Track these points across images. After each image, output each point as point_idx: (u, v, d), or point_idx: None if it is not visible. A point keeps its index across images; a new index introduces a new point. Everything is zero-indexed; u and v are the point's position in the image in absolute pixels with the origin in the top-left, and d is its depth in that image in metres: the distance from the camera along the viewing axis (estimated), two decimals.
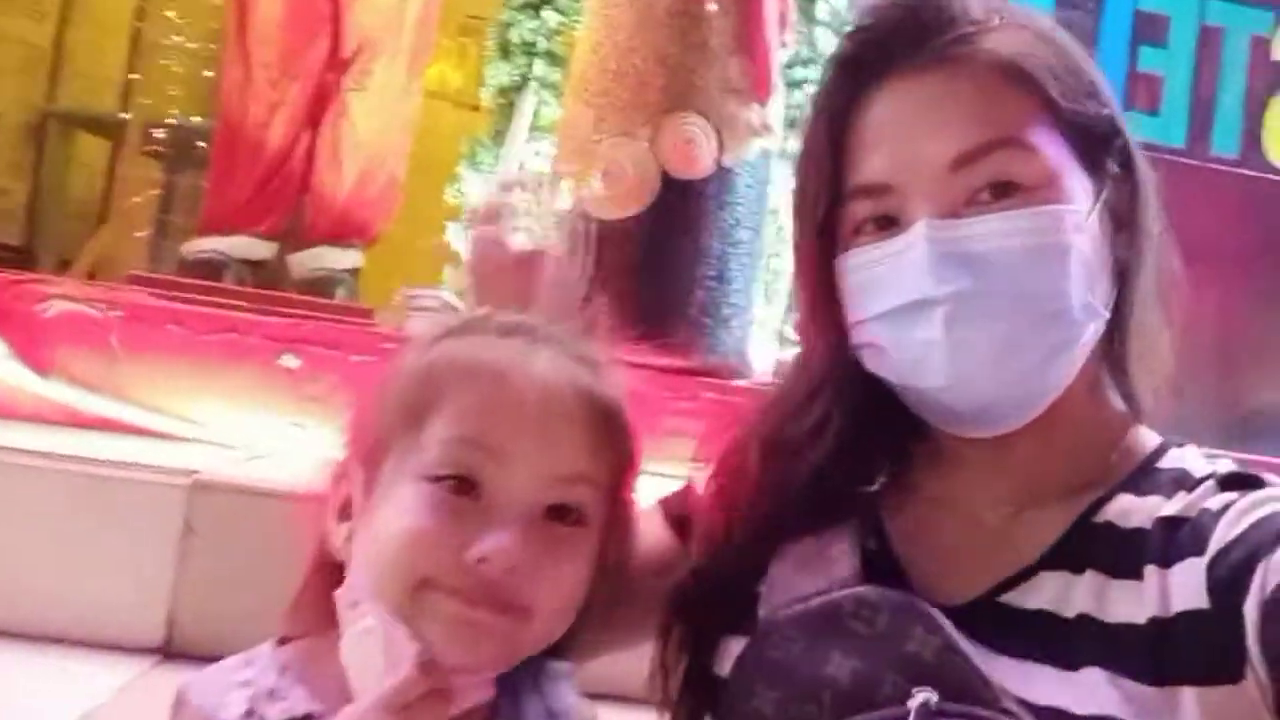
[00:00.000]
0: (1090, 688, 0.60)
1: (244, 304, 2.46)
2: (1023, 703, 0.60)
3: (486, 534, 0.60)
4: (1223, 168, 3.85)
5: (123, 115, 4.72)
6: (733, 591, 0.72)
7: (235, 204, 3.04)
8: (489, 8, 3.25)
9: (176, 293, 2.48)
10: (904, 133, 0.67)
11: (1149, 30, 3.85)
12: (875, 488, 0.75)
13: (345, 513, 0.67)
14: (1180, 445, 0.73)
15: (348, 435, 0.69)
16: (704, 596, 0.73)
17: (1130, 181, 0.70)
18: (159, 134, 4.38)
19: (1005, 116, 0.65)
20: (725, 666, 0.70)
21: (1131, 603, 0.62)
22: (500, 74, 2.78)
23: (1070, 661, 0.62)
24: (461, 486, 0.62)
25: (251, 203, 3.03)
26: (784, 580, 0.69)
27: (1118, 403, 0.72)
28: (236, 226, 3.02)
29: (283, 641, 0.67)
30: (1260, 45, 3.89)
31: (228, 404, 2.19)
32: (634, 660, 0.77)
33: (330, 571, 0.67)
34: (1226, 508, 0.62)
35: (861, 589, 0.65)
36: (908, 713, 0.58)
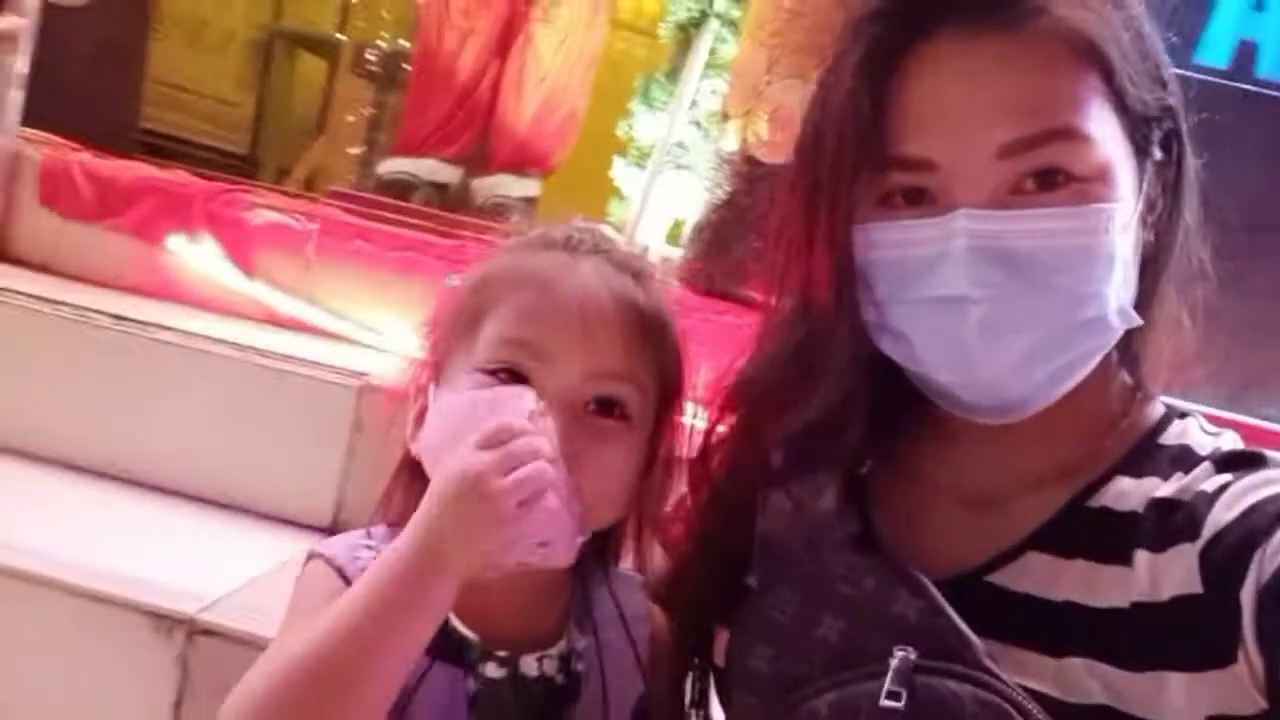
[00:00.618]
0: (1075, 675, 0.60)
1: (427, 223, 2.65)
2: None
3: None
4: None
5: (339, 36, 5.04)
6: (723, 583, 0.73)
7: (427, 128, 3.21)
8: None
9: (368, 209, 2.69)
10: (954, 108, 0.61)
11: None
12: (864, 470, 0.73)
13: (420, 419, 0.75)
14: (1183, 416, 0.69)
15: (422, 345, 0.76)
16: (695, 590, 0.75)
17: (1174, 168, 0.66)
18: (370, 56, 4.65)
19: (1064, 99, 0.60)
20: (721, 657, 0.73)
21: (1118, 587, 0.61)
22: (680, 8, 2.78)
23: (1054, 648, 0.61)
24: (511, 379, 0.68)
25: (441, 128, 3.19)
26: (776, 542, 0.71)
27: (1126, 384, 0.69)
28: (427, 150, 3.20)
29: (393, 525, 0.75)
30: None
31: (402, 315, 2.37)
32: None
33: (417, 466, 0.75)
34: (1221, 490, 0.60)
35: (851, 554, 0.67)
36: (887, 670, 0.60)
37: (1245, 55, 3.09)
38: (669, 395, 0.74)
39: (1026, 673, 0.61)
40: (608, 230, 0.80)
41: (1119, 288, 0.63)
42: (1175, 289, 0.68)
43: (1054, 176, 0.60)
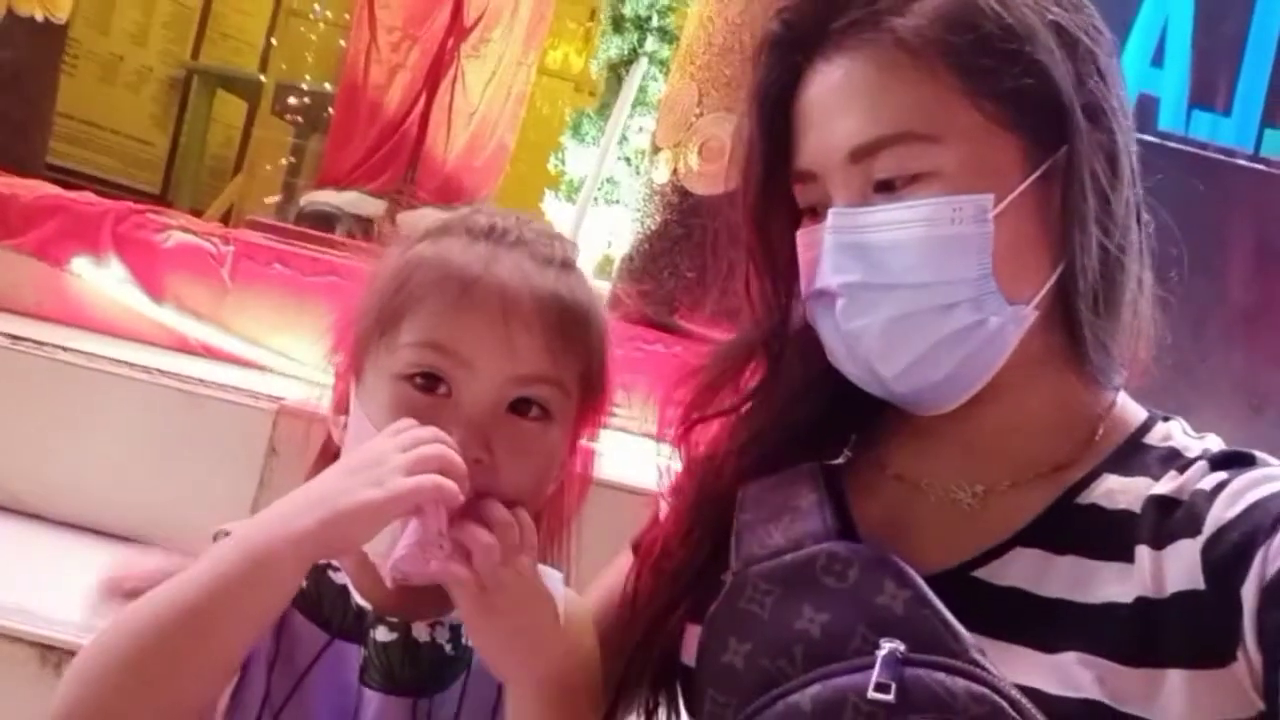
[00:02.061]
0: (1066, 671, 0.59)
1: (348, 253, 2.57)
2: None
3: (452, 429, 0.64)
4: None
5: (260, 77, 4.96)
6: (696, 580, 0.71)
7: (352, 161, 3.16)
8: None
9: (287, 239, 2.61)
10: (819, 121, 0.66)
11: None
12: (841, 461, 0.73)
13: (341, 405, 0.72)
14: (1166, 419, 0.70)
15: (338, 333, 0.73)
16: (666, 586, 0.73)
17: (1069, 150, 0.64)
18: (292, 99, 4.58)
19: (905, 105, 0.63)
20: (691, 655, 0.69)
21: (1118, 583, 0.60)
22: (611, 48, 2.81)
23: (1046, 644, 0.60)
24: (429, 384, 0.66)
25: (366, 160, 3.15)
26: (753, 532, 0.69)
27: (1087, 384, 0.68)
28: (351, 182, 3.15)
29: None
30: None
31: (322, 341, 2.28)
32: None
33: (332, 462, 0.69)
34: (1220, 488, 0.60)
35: (833, 544, 0.65)
36: (874, 662, 0.58)
37: (1146, 109, 3.26)
38: (592, 388, 0.73)
39: (1016, 667, 0.59)
40: (531, 218, 0.77)
41: (978, 277, 0.63)
42: (1113, 267, 0.66)
43: (903, 176, 0.63)
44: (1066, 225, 0.64)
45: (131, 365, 1.86)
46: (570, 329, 0.69)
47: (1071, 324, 0.65)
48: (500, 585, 0.62)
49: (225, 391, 1.85)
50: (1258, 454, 0.63)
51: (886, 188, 0.64)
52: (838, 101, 0.65)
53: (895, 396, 0.68)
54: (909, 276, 0.63)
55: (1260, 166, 3.11)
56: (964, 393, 0.66)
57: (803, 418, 0.72)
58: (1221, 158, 3.06)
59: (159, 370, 1.87)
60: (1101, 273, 0.65)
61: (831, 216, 0.65)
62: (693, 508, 0.75)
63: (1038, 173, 0.64)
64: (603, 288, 2.76)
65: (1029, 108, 0.63)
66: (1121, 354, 0.68)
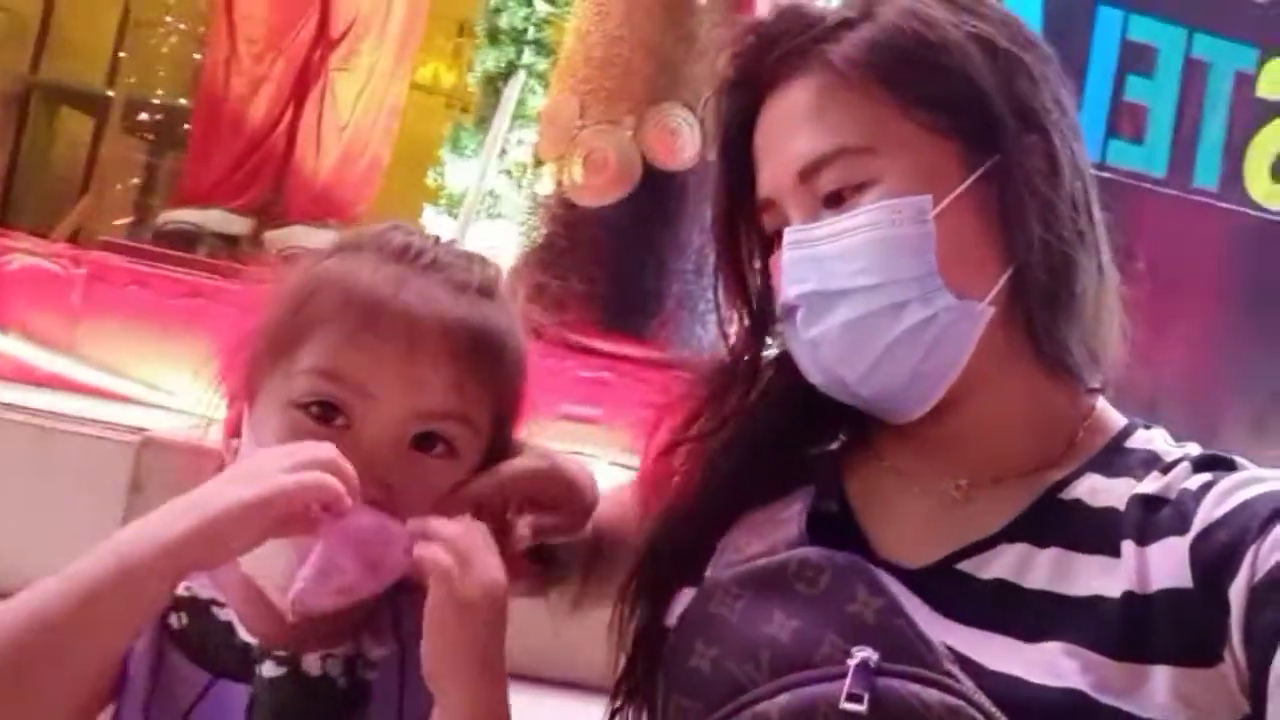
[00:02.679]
0: (1049, 660, 0.59)
1: (210, 274, 2.43)
2: (979, 668, 0.58)
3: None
4: (1203, 199, 3.89)
5: (108, 92, 4.68)
6: (692, 543, 0.71)
7: (213, 177, 3.00)
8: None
9: (145, 261, 2.44)
10: (770, 149, 0.70)
11: (1136, 60, 3.90)
12: (836, 446, 0.75)
13: (234, 429, 0.66)
14: (1148, 427, 0.72)
15: (227, 354, 0.67)
16: (663, 548, 0.72)
17: (1003, 154, 0.67)
18: (144, 114, 4.34)
19: (842, 123, 0.67)
20: (674, 617, 0.68)
21: (1103, 576, 0.61)
22: (488, 60, 2.76)
23: (1029, 633, 0.60)
24: (326, 415, 0.61)
25: (229, 177, 2.99)
26: (734, 543, 0.69)
27: (1063, 379, 0.70)
28: (213, 200, 2.99)
29: None
30: (1244, 81, 3.94)
31: (189, 371, 2.15)
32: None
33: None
34: (1207, 487, 0.62)
35: (806, 550, 0.65)
36: (846, 671, 0.57)
37: None
38: (504, 421, 0.69)
39: (998, 656, 0.59)
40: (451, 241, 0.72)
41: (924, 276, 0.66)
42: (1078, 277, 0.68)
43: (849, 187, 0.67)
44: (1006, 224, 0.67)
45: None
46: (482, 362, 0.65)
47: (1028, 320, 0.67)
48: (473, 581, 0.60)
49: (80, 424, 1.71)
50: (1237, 458, 0.65)
51: (833, 202, 0.67)
52: (783, 129, 0.69)
53: (864, 403, 0.69)
54: (858, 280, 0.66)
55: (1107, 175, 3.32)
56: (931, 395, 0.67)
57: (786, 429, 0.74)
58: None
59: (9, 404, 1.71)
60: (1049, 268, 0.67)
61: (786, 234, 0.68)
62: (684, 510, 0.74)
63: (975, 174, 0.67)
64: None
65: (960, 114, 0.67)
66: (1089, 351, 0.69)
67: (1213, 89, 3.82)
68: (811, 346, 0.67)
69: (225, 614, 0.64)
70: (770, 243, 0.72)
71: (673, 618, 0.68)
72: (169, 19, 4.73)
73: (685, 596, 0.68)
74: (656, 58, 2.39)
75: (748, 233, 0.73)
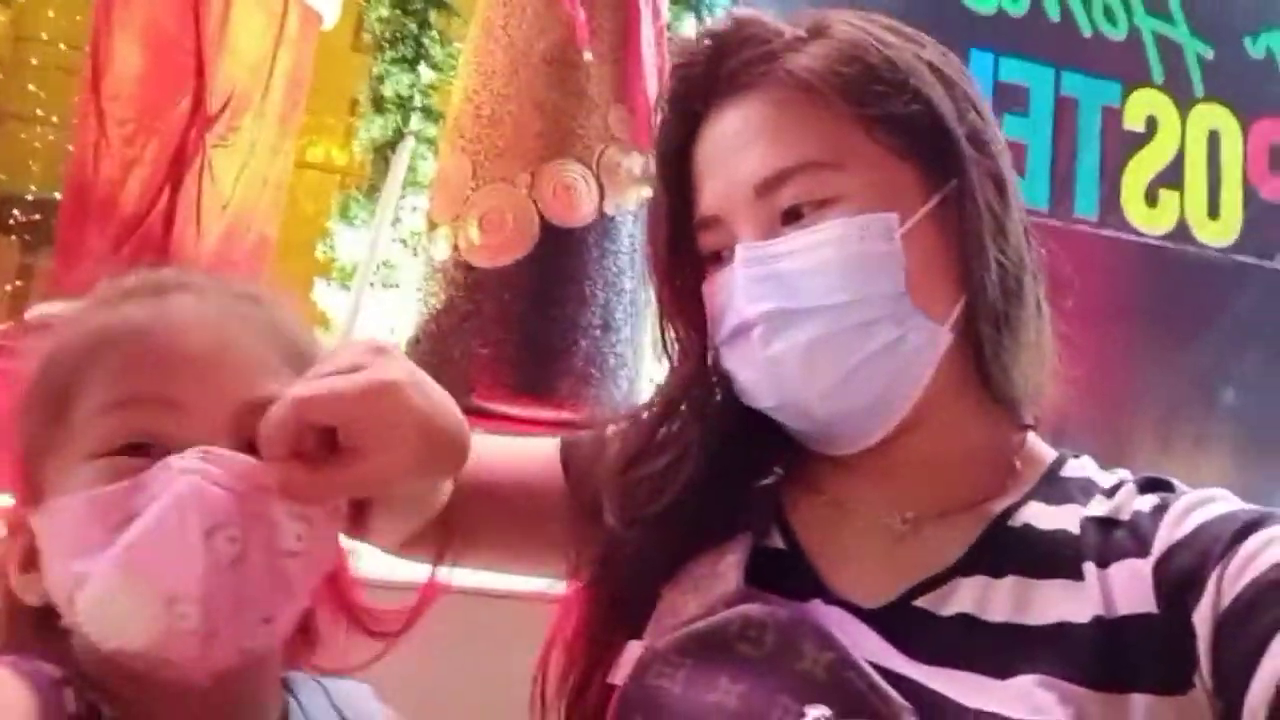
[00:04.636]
0: (1024, 693, 0.57)
1: None
2: (958, 707, 0.56)
3: None
4: (1085, 228, 4.06)
5: None
6: (633, 593, 0.68)
7: (86, 267, 2.84)
8: None
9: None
10: (720, 164, 0.68)
11: (1010, 100, 4.07)
12: (771, 480, 0.73)
13: (31, 561, 0.57)
14: (1076, 456, 0.72)
15: (6, 478, 0.60)
16: (602, 598, 0.70)
17: (960, 179, 0.68)
18: (16, 211, 4.14)
19: (806, 137, 0.66)
20: (621, 675, 0.65)
21: (1067, 602, 0.60)
22: (374, 128, 2.70)
23: (998, 668, 0.59)
24: (136, 451, 0.54)
25: (105, 264, 2.83)
26: (670, 605, 0.66)
27: (1003, 412, 0.70)
28: (87, 290, 2.82)
29: None
30: (1112, 114, 4.15)
31: None
32: None
33: (39, 618, 0.57)
34: (1161, 509, 0.62)
35: (747, 607, 0.62)
36: None
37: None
38: None
39: (973, 695, 0.58)
40: (199, 272, 0.67)
41: (893, 291, 0.64)
42: (1020, 306, 0.69)
43: (810, 203, 0.65)
44: (965, 246, 0.66)
45: None
46: (285, 348, 0.60)
47: (978, 346, 0.67)
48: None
49: None
50: (1173, 480, 0.66)
51: (793, 218, 0.65)
52: (738, 142, 0.67)
53: (816, 426, 0.67)
54: (827, 298, 0.64)
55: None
56: (888, 420, 0.66)
57: (722, 463, 0.72)
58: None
59: None
60: (1003, 293, 0.67)
61: (740, 251, 0.66)
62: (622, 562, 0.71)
63: (937, 197, 0.67)
64: None
65: (919, 136, 0.67)
66: (1027, 383, 0.69)
67: (1084, 123, 4.01)
68: (770, 365, 0.65)
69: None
70: (700, 266, 0.70)
71: (619, 675, 0.64)
72: (40, 111, 4.55)
73: (633, 649, 0.65)
74: (546, 114, 2.36)
75: (682, 255, 0.71)
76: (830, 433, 0.68)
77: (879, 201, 0.65)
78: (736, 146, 0.67)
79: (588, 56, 2.36)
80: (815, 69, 0.66)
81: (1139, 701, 0.56)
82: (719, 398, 0.72)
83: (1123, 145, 3.97)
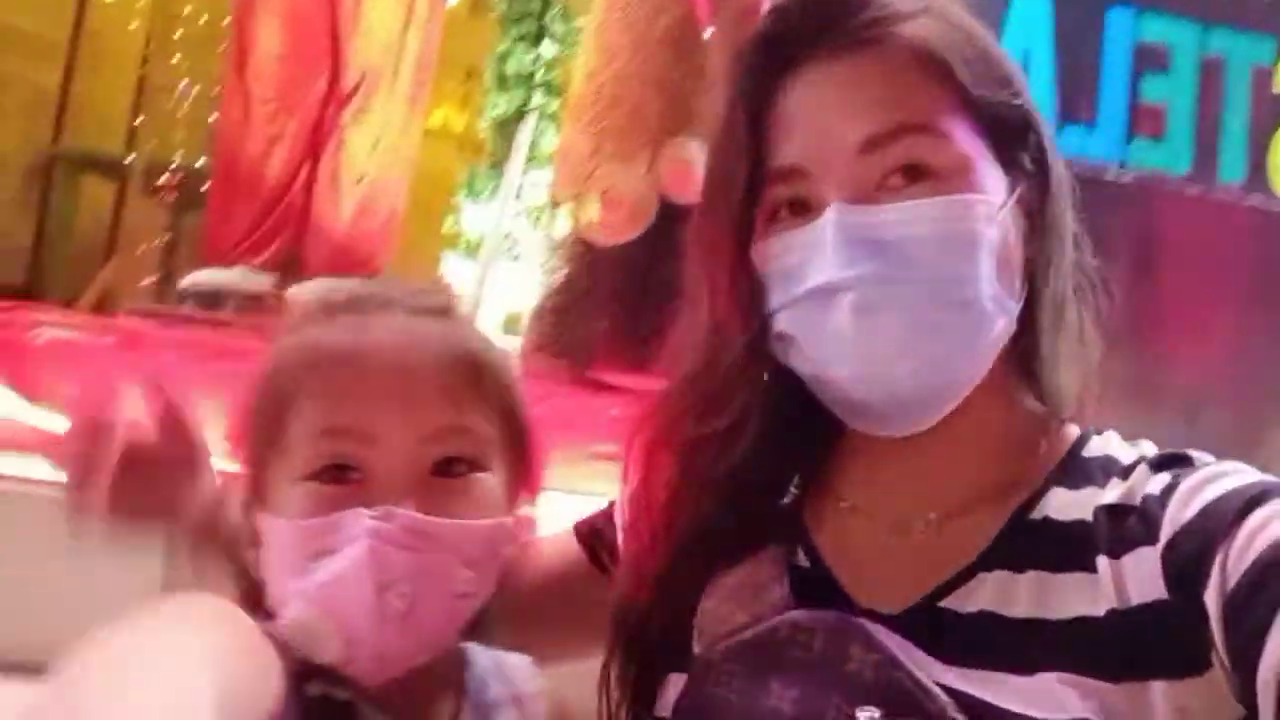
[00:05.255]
0: (1047, 690, 0.58)
1: (240, 332, 2.45)
2: (987, 706, 0.57)
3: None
4: (1230, 197, 3.83)
5: (128, 158, 4.75)
6: (668, 629, 0.69)
7: (234, 236, 3.03)
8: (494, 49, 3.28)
9: (172, 324, 2.47)
10: (816, 117, 0.65)
11: (1151, 60, 3.87)
12: (788, 500, 0.72)
13: (257, 539, 0.65)
14: (1099, 433, 0.71)
15: (237, 464, 0.67)
16: (639, 636, 0.70)
17: (1042, 180, 0.68)
18: (164, 177, 4.41)
19: (916, 102, 0.65)
20: (667, 708, 0.67)
21: (1083, 595, 0.60)
22: (498, 105, 2.77)
23: (1024, 666, 0.59)
24: (337, 475, 0.61)
25: (250, 235, 3.02)
26: (715, 613, 0.67)
27: (1033, 405, 0.70)
28: (235, 258, 3.01)
29: None
30: (1263, 75, 3.89)
31: (218, 429, 2.15)
32: None
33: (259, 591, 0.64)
34: (1170, 490, 0.61)
35: (794, 613, 0.63)
36: None
37: None
38: (514, 429, 0.68)
39: (1000, 693, 0.58)
40: (396, 277, 0.74)
41: (990, 277, 0.64)
42: (1063, 300, 0.69)
43: (915, 169, 0.64)
44: (1045, 243, 0.67)
45: (6, 478, 1.70)
46: (468, 373, 0.64)
47: (1030, 345, 0.67)
48: None
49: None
50: (1193, 453, 0.64)
51: (896, 181, 0.63)
52: (845, 95, 0.65)
53: (889, 402, 0.65)
54: (934, 270, 0.62)
55: (1128, 178, 3.28)
56: (947, 406, 0.65)
57: (765, 455, 0.70)
58: (1091, 174, 3.21)
59: (38, 480, 1.71)
60: (1062, 293, 0.68)
61: (835, 211, 0.63)
62: (654, 590, 0.71)
63: (1018, 190, 0.67)
64: (513, 344, 2.70)
65: (1012, 132, 0.67)
66: (1071, 383, 0.69)
67: (1231, 83, 3.78)
68: (862, 332, 0.62)
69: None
70: (746, 222, 0.66)
71: (665, 707, 0.66)
72: (184, 82, 4.81)
73: (672, 684, 0.66)
74: (666, 93, 2.39)
75: (745, 210, 0.66)
76: (896, 411, 0.65)
77: (974, 182, 0.64)
78: (843, 100, 0.65)
79: (708, 34, 2.37)
80: (935, 41, 0.66)
81: (1158, 688, 0.56)
82: (768, 374, 0.69)
83: (1274, 108, 3.73)
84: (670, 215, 2.36)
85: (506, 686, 0.70)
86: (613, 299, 2.30)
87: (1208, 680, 0.55)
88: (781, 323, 0.66)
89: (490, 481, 0.65)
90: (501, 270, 2.67)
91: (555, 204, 2.40)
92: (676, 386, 0.71)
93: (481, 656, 0.70)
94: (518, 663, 0.72)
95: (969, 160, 0.64)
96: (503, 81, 2.81)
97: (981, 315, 0.64)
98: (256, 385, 0.65)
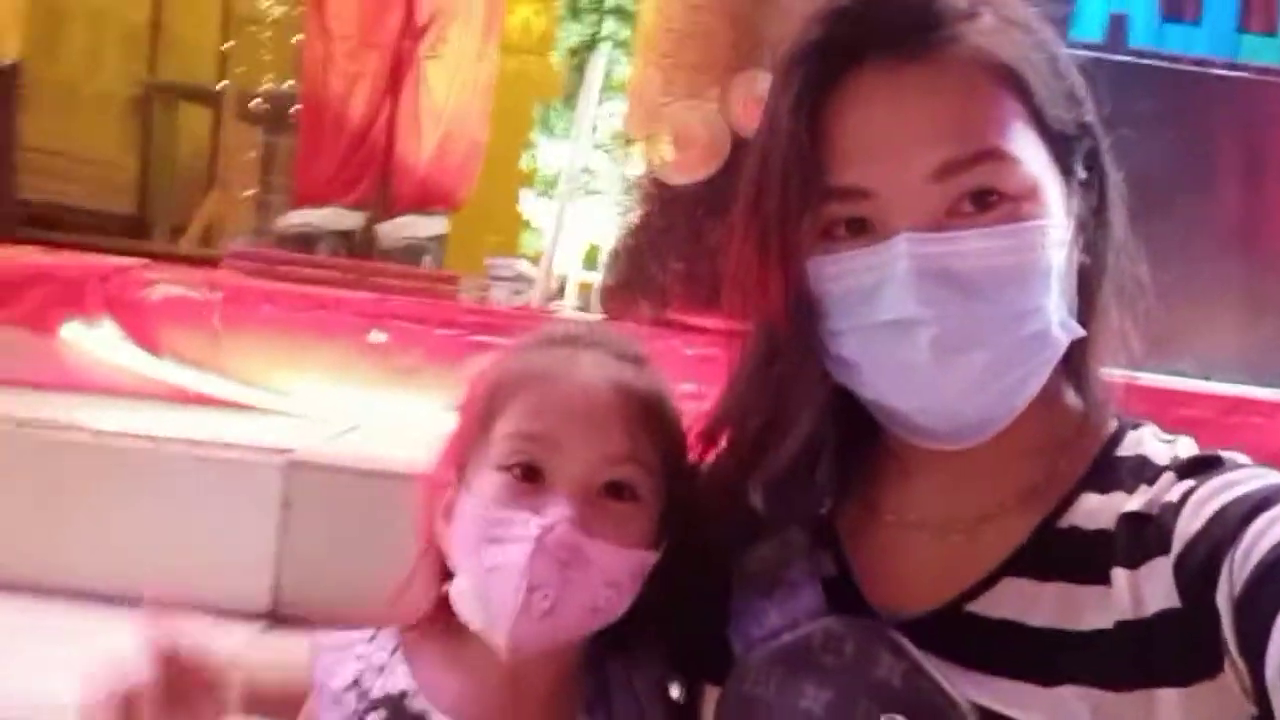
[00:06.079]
0: (1065, 706, 0.60)
1: (336, 273, 2.58)
2: (1001, 717, 0.60)
3: (550, 510, 0.69)
4: None
5: (219, 85, 4.89)
6: (704, 638, 0.72)
7: (324, 176, 3.13)
8: None
9: (273, 266, 2.60)
10: (885, 135, 0.62)
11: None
12: (824, 510, 0.73)
13: (449, 514, 0.76)
14: (1135, 427, 0.70)
15: (444, 447, 0.78)
16: (680, 645, 0.75)
17: (1097, 185, 0.67)
18: (254, 102, 4.52)
19: (990, 123, 0.62)
20: (709, 713, 0.71)
21: (1099, 608, 0.62)
22: (571, 34, 2.76)
23: (1044, 678, 0.61)
24: (527, 473, 0.72)
25: (339, 175, 3.12)
26: (751, 611, 0.70)
27: (1073, 400, 0.70)
28: (326, 198, 3.12)
29: (410, 628, 0.76)
30: None
31: (321, 379, 2.30)
32: None
33: (435, 560, 0.76)
34: (1185, 499, 0.61)
35: (828, 621, 0.66)
36: None
37: (1117, 28, 3.21)
38: (675, 472, 0.76)
39: (1019, 705, 0.61)
40: (600, 324, 0.84)
41: (1058, 302, 0.63)
42: (1115, 306, 0.69)
43: (988, 197, 0.61)
44: (1103, 265, 0.67)
45: (137, 436, 1.87)
46: (648, 415, 0.74)
47: (1076, 348, 0.67)
48: None
49: (233, 450, 1.87)
50: (1224, 454, 0.63)
51: (966, 207, 0.62)
52: (916, 115, 0.61)
53: (952, 427, 0.64)
54: (1009, 306, 0.61)
55: (1240, 74, 3.07)
56: (1006, 422, 0.65)
57: (809, 460, 0.70)
58: (1198, 70, 3.02)
59: (166, 438, 1.88)
60: (1109, 301, 0.68)
61: (907, 243, 0.60)
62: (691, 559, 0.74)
63: (1078, 211, 0.66)
64: (592, 279, 2.76)
65: (1071, 147, 0.66)
66: (1108, 392, 0.70)
67: None
68: (936, 370, 0.61)
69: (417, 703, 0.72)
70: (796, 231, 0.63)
71: (706, 713, 0.72)
72: (264, 5, 4.88)
73: (713, 693, 0.71)
74: (737, 24, 2.34)
75: (797, 224, 0.63)
76: (958, 433, 0.65)
77: (1042, 205, 0.62)
78: (911, 122, 0.62)
79: None
80: (1009, 53, 0.62)
81: (1168, 695, 0.58)
82: (817, 379, 0.67)
83: None
84: (744, 153, 2.35)
85: (632, 695, 0.77)
86: (688, 239, 2.33)
87: (1219, 683, 0.57)
88: (845, 347, 0.65)
89: (645, 517, 0.73)
90: (579, 205, 2.71)
91: (629, 142, 2.41)
92: (731, 386, 0.73)
93: (609, 661, 0.77)
94: (649, 670, 0.79)
95: (1038, 183, 0.63)
96: (574, 10, 2.79)
97: (1050, 343, 0.64)
98: (480, 387, 0.76)
